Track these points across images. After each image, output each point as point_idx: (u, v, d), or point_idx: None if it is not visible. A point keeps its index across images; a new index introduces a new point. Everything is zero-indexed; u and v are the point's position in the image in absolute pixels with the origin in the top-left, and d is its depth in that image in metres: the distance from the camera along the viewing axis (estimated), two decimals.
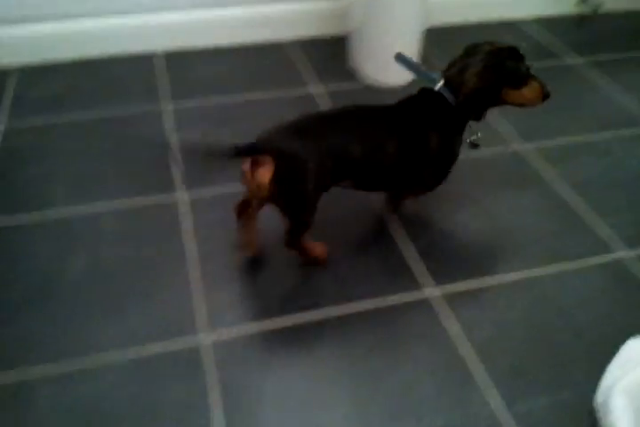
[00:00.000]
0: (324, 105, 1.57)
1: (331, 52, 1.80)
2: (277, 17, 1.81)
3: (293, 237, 1.06)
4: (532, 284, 1.12)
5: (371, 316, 1.05)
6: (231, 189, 1.28)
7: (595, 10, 2.04)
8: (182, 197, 1.28)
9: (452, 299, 1.09)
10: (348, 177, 1.03)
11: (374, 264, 1.15)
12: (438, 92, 1.05)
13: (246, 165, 0.95)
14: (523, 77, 1.02)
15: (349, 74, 1.71)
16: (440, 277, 1.13)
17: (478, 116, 1.06)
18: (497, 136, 1.50)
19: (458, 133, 1.09)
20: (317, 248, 1.12)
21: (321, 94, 1.62)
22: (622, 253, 1.19)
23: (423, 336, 1.02)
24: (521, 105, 1.06)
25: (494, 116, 1.55)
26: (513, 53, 1.01)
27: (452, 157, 1.10)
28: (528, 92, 1.04)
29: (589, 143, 1.49)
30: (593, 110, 1.60)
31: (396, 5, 1.53)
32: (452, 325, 1.05)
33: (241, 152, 0.93)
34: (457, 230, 1.23)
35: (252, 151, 0.94)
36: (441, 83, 1.05)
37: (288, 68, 1.72)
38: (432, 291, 1.10)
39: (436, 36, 1.91)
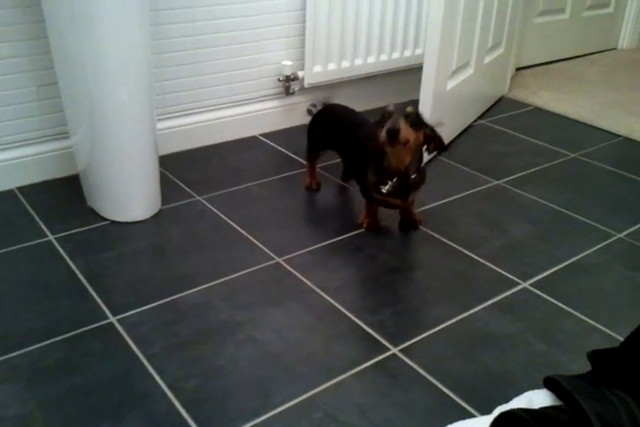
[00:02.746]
0: (69, 250, 1.46)
1: (67, 194, 1.70)
2: None
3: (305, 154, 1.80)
4: (312, 406, 1.07)
5: None
6: None
7: None
8: None
9: None
10: (333, 147, 1.69)
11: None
12: None
13: None
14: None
15: (90, 213, 1.62)
16: None
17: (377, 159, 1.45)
18: (259, 252, 1.48)
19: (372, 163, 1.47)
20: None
21: (63, 239, 1.50)
22: (390, 351, 1.19)
23: None
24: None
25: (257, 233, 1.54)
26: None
27: (364, 171, 1.50)
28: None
29: (335, 244, 1.53)
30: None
31: (120, 143, 1.50)
32: None
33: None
34: (225, 366, 1.15)
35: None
36: None
37: (20, 217, 1.59)
38: None
39: (177, 161, 1.90)
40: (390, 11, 2.16)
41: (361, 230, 1.59)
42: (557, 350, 1.21)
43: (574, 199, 1.77)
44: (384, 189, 1.47)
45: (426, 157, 1.54)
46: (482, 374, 1.15)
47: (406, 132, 1.34)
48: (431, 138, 1.43)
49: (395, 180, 1.46)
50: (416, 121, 1.38)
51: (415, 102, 1.88)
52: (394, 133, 1.33)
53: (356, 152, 1.55)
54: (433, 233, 1.59)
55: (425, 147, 1.46)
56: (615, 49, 3.28)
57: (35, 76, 1.66)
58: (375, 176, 1.49)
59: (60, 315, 1.26)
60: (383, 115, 1.39)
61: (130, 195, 1.57)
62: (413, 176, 1.47)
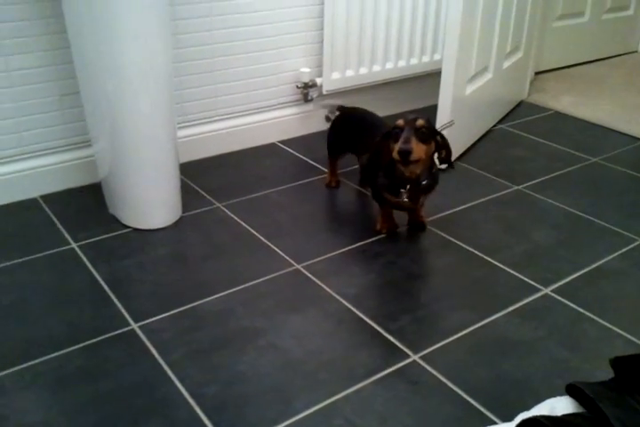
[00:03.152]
0: (91, 257, 1.47)
1: (89, 202, 1.72)
2: (18, 177, 1.71)
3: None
4: (333, 413, 1.07)
5: None
6: None
7: None
8: None
9: None
10: (351, 151, 1.71)
11: None
12: None
13: None
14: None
15: (112, 221, 1.63)
16: None
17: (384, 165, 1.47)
18: (278, 258, 1.49)
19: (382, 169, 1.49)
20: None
21: (85, 246, 1.52)
22: (410, 358, 1.19)
23: None
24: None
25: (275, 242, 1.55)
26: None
27: (375, 175, 1.52)
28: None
29: (347, 252, 1.53)
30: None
31: (141, 151, 1.51)
32: None
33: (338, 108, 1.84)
34: (246, 373, 1.16)
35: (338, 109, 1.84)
36: None
37: (44, 226, 1.61)
38: None
39: (197, 169, 1.92)
40: (408, 16, 2.16)
41: (380, 236, 1.59)
42: (580, 356, 1.20)
43: (595, 204, 1.75)
44: (404, 198, 1.47)
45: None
46: (503, 380, 1.14)
47: (418, 151, 1.36)
48: (442, 145, 1.44)
49: (407, 187, 1.46)
50: (427, 133, 1.39)
51: (434, 108, 1.88)
52: (406, 154, 1.35)
53: (368, 156, 1.55)
54: (453, 239, 1.58)
55: (436, 155, 1.47)
56: (636, 52, 3.25)
57: (58, 85, 1.69)
58: (385, 179, 1.50)
59: (83, 322, 1.28)
60: (394, 128, 1.40)
61: (151, 202, 1.59)
62: (424, 182, 1.47)
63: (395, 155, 1.38)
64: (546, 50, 2.82)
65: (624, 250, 1.54)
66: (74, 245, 1.53)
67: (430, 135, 1.40)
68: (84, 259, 1.48)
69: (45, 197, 1.75)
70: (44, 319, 1.28)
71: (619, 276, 1.44)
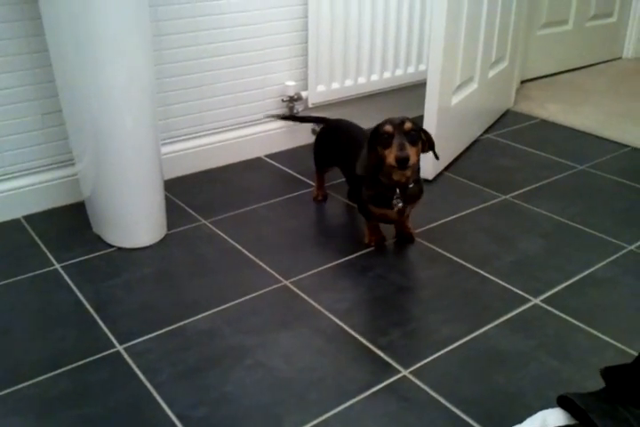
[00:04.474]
0: (75, 278, 1.45)
1: (73, 222, 1.70)
2: (0, 197, 1.70)
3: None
4: None
5: None
6: None
7: None
8: None
9: None
10: (336, 164, 1.69)
11: None
12: None
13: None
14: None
15: (96, 240, 1.61)
16: None
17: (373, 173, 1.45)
18: (266, 274, 1.47)
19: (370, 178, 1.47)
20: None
21: (69, 267, 1.50)
22: (401, 373, 1.18)
23: None
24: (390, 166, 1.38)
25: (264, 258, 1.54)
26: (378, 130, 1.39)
27: (360, 188, 1.51)
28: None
29: (336, 267, 1.51)
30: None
31: (125, 169, 1.50)
32: None
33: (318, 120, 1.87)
34: (234, 393, 1.14)
35: (319, 121, 1.86)
36: None
37: (27, 246, 1.59)
38: None
39: (182, 185, 1.90)
40: (392, 28, 2.17)
41: (368, 250, 1.57)
42: (570, 367, 1.19)
43: (583, 212, 1.75)
44: (399, 204, 1.46)
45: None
46: (494, 394, 1.13)
47: (412, 154, 1.36)
48: (424, 141, 1.44)
49: (398, 192, 1.45)
50: (416, 135, 1.38)
51: (420, 119, 1.88)
52: (405, 161, 1.34)
53: (352, 169, 1.54)
54: (441, 250, 1.57)
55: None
56: (620, 58, 3.27)
57: (39, 104, 1.67)
58: (370, 190, 1.48)
59: (68, 345, 1.26)
60: (382, 135, 1.38)
61: (135, 221, 1.57)
62: (411, 186, 1.46)
63: (391, 162, 1.36)
64: (531, 58, 2.83)
65: (613, 257, 1.53)
66: (57, 265, 1.51)
67: (419, 136, 1.40)
68: (68, 280, 1.46)
69: (28, 218, 1.73)
70: (28, 342, 1.26)
71: (609, 284, 1.43)
